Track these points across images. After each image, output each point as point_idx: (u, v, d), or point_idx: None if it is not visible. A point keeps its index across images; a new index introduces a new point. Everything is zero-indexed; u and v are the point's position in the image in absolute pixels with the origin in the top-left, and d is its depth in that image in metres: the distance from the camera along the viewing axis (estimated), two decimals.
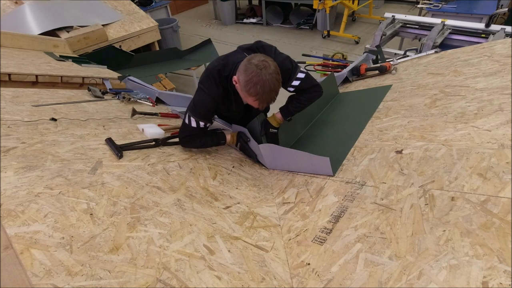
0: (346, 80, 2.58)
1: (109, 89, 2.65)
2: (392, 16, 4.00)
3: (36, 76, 2.33)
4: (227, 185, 1.34)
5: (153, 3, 5.68)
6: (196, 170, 1.37)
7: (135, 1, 5.19)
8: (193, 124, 1.43)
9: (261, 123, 1.63)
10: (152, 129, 1.65)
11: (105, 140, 1.39)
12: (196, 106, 1.41)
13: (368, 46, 3.79)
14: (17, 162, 1.07)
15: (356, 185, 1.16)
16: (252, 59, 1.21)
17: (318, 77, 4.14)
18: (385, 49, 3.71)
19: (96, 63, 3.45)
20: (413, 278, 0.73)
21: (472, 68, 1.75)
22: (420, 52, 3.01)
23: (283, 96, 1.61)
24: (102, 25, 4.04)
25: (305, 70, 1.50)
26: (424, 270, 0.73)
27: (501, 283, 0.63)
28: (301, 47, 5.76)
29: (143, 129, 1.67)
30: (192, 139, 1.51)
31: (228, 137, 1.61)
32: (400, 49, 4.25)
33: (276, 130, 1.62)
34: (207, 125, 1.47)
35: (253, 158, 1.65)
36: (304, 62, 4.02)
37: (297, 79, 1.47)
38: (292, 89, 1.51)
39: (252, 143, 1.60)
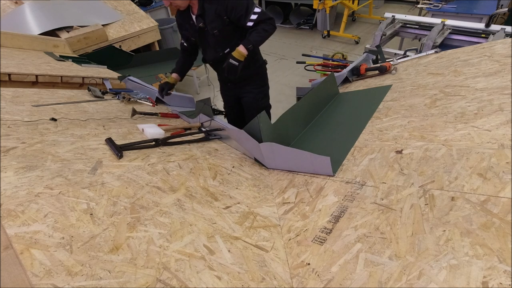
0: (346, 80, 2.58)
1: (109, 89, 2.65)
2: (392, 16, 4.00)
3: (36, 76, 2.33)
4: (227, 185, 1.33)
5: (153, 3, 5.67)
6: (196, 170, 1.37)
7: (135, 1, 5.18)
8: None
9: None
10: (152, 129, 1.65)
11: (105, 140, 1.39)
12: None
13: (368, 46, 3.79)
14: (17, 162, 1.07)
15: (356, 185, 1.16)
16: None
17: (318, 77, 4.14)
18: (385, 49, 3.72)
19: (96, 63, 3.44)
20: (413, 278, 0.73)
21: (472, 68, 1.75)
22: (420, 52, 3.01)
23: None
24: (102, 25, 4.03)
25: (260, 7, 1.76)
26: (424, 270, 0.73)
27: (501, 283, 0.63)
28: (301, 47, 5.76)
29: (143, 129, 1.67)
30: None
31: None
32: (400, 49, 4.25)
33: (236, 63, 1.72)
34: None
35: None
36: (304, 62, 4.02)
37: (255, 13, 1.72)
38: (251, 24, 1.73)
39: (252, 142, 1.59)
